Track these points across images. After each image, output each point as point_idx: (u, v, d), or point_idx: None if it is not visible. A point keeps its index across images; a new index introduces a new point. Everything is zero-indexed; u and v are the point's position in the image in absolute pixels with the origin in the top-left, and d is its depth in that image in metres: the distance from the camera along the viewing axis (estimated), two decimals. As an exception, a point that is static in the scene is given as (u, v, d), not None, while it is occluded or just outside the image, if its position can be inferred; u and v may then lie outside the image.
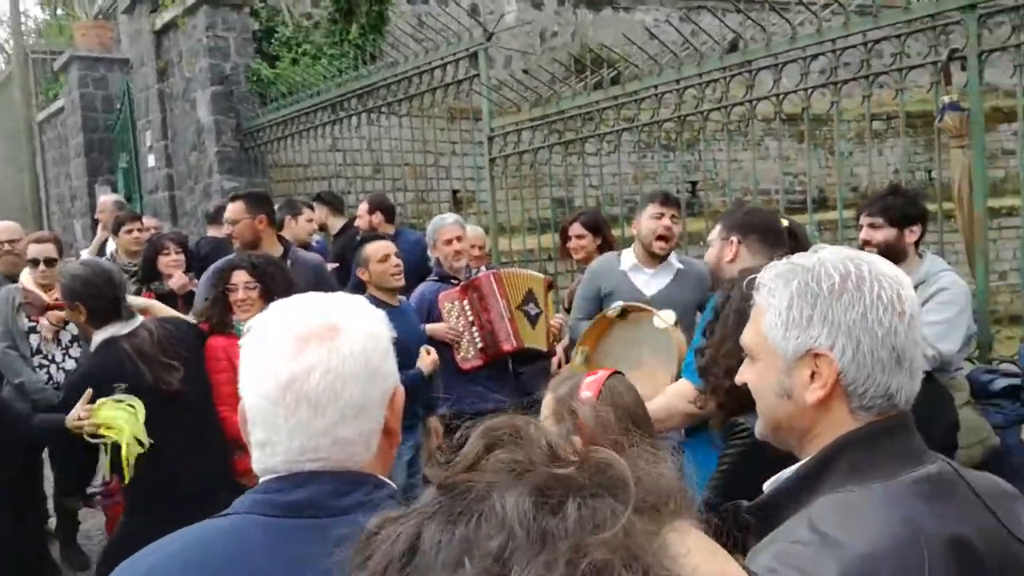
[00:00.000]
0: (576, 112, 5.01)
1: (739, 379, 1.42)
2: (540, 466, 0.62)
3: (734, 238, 2.62)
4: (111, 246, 6.08)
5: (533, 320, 4.11)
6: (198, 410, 3.25)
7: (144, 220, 6.30)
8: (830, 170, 8.72)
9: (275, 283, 3.46)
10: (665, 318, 2.88)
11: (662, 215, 3.66)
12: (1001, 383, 3.16)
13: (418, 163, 7.30)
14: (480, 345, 4.09)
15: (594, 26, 12.74)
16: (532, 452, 0.65)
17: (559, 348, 4.47)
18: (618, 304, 3.24)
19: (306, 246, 5.25)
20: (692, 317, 3.36)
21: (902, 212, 3.09)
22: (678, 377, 2.74)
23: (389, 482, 1.11)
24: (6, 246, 5.10)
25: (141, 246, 5.22)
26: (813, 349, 1.24)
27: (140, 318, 3.21)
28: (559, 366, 4.48)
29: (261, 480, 1.07)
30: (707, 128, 4.55)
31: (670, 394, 2.48)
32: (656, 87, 4.50)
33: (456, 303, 4.12)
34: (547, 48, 11.91)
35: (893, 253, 3.02)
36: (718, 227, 2.72)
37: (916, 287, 2.97)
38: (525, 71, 5.76)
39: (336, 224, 6.18)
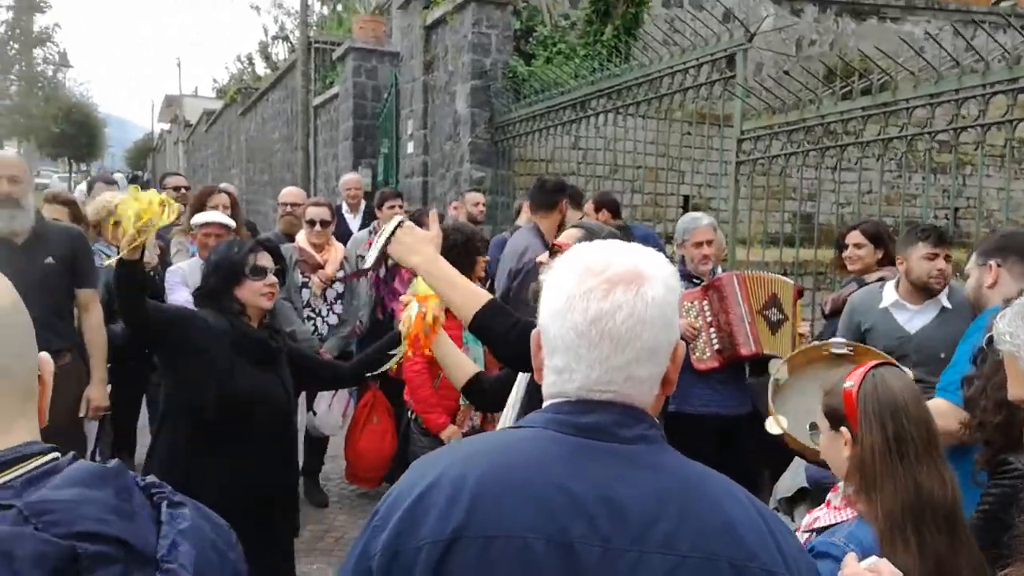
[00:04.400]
0: (837, 118, 4.81)
1: None
2: None
3: (993, 262, 2.58)
4: (353, 222, 6.71)
5: (774, 326, 3.99)
6: None
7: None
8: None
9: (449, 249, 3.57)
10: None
11: (936, 255, 3.37)
12: None
13: (654, 166, 7.33)
14: (717, 347, 4.03)
15: (855, 36, 12.08)
16: None
17: None
18: (842, 343, 3.08)
19: None
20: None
21: None
22: None
23: (657, 423, 1.19)
24: (288, 208, 5.78)
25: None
26: None
27: None
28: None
29: (551, 403, 1.18)
30: (978, 144, 4.21)
31: None
32: (932, 96, 4.22)
33: (696, 303, 4.08)
34: (802, 57, 11.46)
35: None
36: (974, 256, 2.69)
37: None
38: (776, 76, 5.61)
39: (574, 217, 6.37)
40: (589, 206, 5.75)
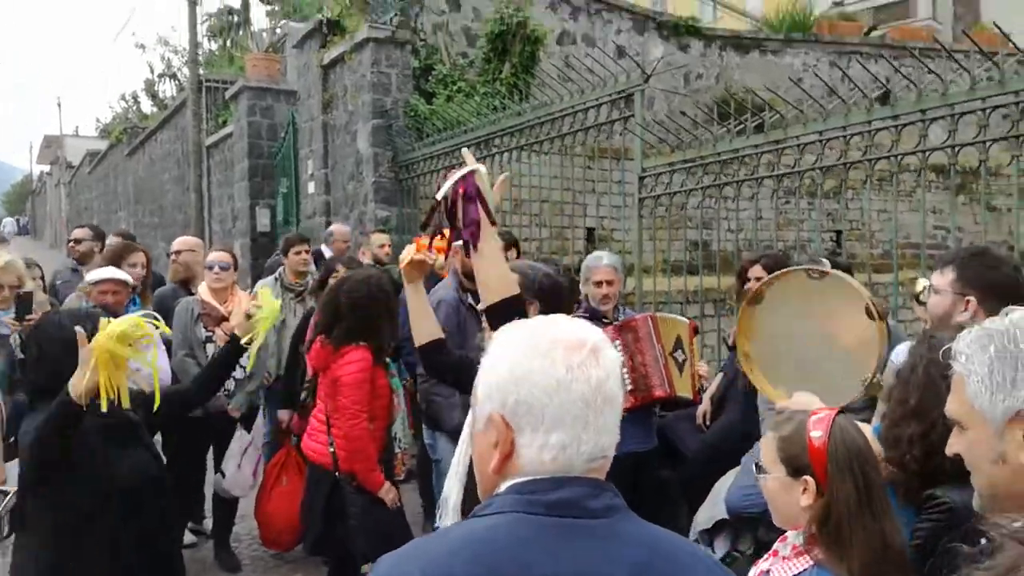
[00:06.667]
0: (732, 155, 5.00)
1: (949, 450, 1.43)
2: None
3: (971, 298, 2.32)
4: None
5: (680, 367, 4.08)
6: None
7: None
8: (986, 226, 8.32)
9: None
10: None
11: None
12: None
13: (558, 200, 7.43)
14: (630, 387, 4.02)
15: (740, 69, 12.65)
16: None
17: (705, 398, 4.42)
18: (825, 262, 3.10)
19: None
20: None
21: None
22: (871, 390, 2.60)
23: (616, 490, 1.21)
24: (174, 255, 5.53)
25: (307, 267, 5.54)
26: (1022, 411, 1.25)
27: None
28: (704, 415, 4.44)
29: (515, 483, 1.16)
30: (867, 177, 4.46)
31: None
32: (821, 133, 4.45)
33: None
34: (691, 90, 11.90)
35: None
36: (951, 276, 2.38)
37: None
38: (669, 116, 5.81)
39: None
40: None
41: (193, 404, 3.17)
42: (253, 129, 11.77)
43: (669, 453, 4.47)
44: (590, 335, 1.20)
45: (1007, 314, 1.33)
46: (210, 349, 4.79)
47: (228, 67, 16.09)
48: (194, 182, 14.28)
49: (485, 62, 9.11)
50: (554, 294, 2.79)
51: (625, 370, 4.06)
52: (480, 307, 2.44)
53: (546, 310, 2.61)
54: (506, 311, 2.26)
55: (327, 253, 7.25)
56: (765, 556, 1.95)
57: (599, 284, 4.27)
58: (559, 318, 1.26)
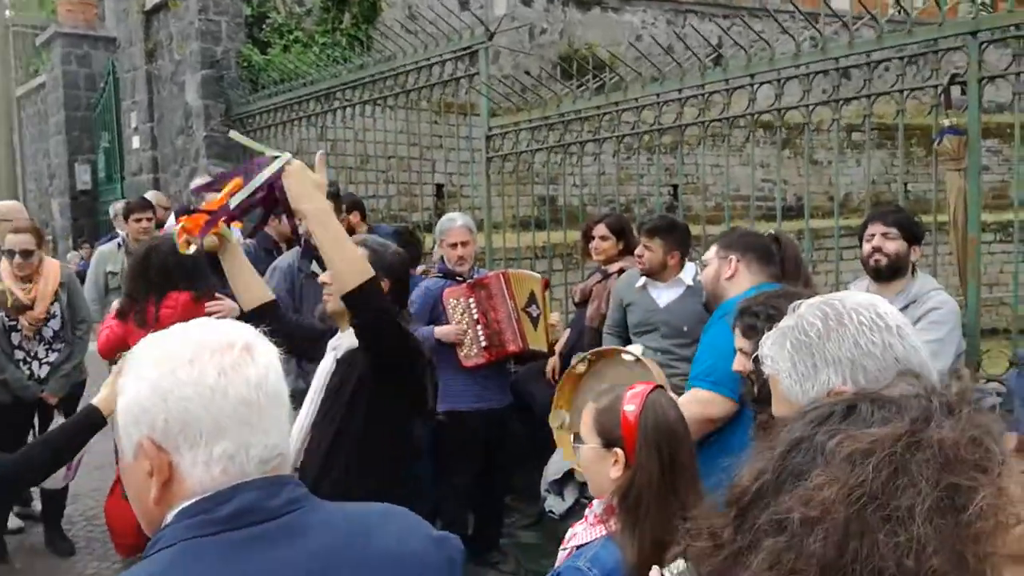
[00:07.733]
0: (575, 116, 5.05)
1: None
2: None
3: (733, 256, 2.77)
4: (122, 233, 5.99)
5: (535, 321, 4.15)
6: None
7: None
8: (809, 179, 8.90)
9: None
10: (632, 351, 2.97)
11: (644, 247, 3.81)
12: (989, 402, 3.26)
13: (405, 155, 7.29)
14: (484, 344, 4.10)
15: (582, 25, 12.79)
16: None
17: (556, 353, 4.52)
18: (582, 355, 3.31)
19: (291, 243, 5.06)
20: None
21: (913, 229, 3.22)
22: None
23: (296, 479, 1.15)
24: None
25: (148, 235, 5.14)
26: (831, 390, 1.35)
27: None
28: (554, 370, 4.52)
29: (182, 507, 1.05)
30: (701, 137, 4.63)
31: (688, 403, 2.52)
32: (658, 95, 4.57)
33: (461, 300, 4.12)
34: (535, 46, 11.93)
35: (899, 266, 3.14)
36: (714, 248, 2.88)
37: (907, 306, 3.09)
38: (514, 75, 5.79)
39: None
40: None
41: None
42: (69, 79, 10.82)
43: (520, 408, 4.56)
44: (240, 334, 1.11)
45: (795, 309, 1.44)
46: (15, 338, 4.41)
47: (39, 11, 14.63)
48: (4, 136, 12.99)
49: (323, 11, 8.73)
50: (404, 271, 2.76)
51: (479, 328, 4.10)
52: (332, 291, 2.37)
53: (398, 287, 2.66)
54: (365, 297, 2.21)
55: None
56: (581, 519, 2.00)
57: (454, 246, 4.27)
58: (200, 321, 1.16)
